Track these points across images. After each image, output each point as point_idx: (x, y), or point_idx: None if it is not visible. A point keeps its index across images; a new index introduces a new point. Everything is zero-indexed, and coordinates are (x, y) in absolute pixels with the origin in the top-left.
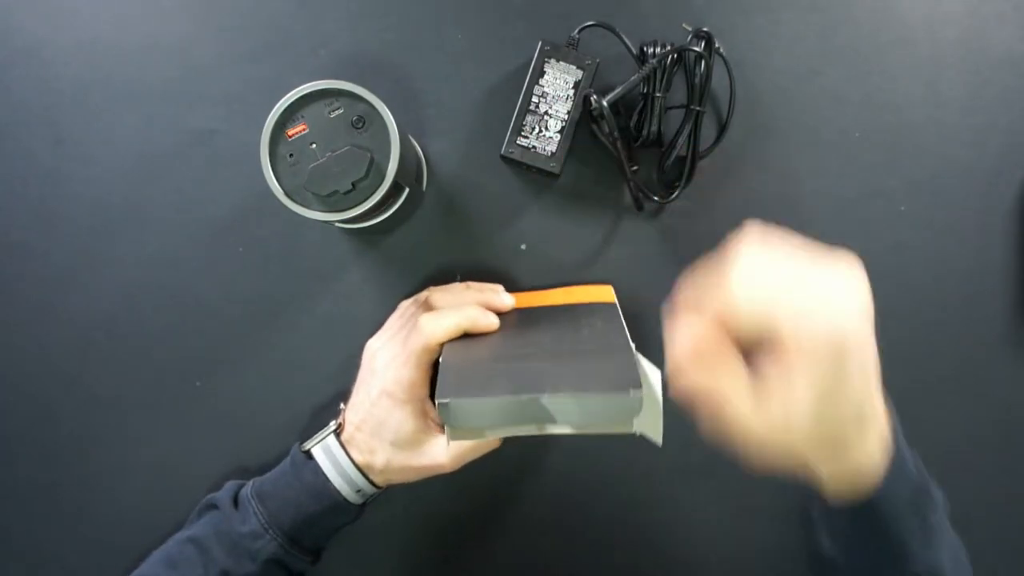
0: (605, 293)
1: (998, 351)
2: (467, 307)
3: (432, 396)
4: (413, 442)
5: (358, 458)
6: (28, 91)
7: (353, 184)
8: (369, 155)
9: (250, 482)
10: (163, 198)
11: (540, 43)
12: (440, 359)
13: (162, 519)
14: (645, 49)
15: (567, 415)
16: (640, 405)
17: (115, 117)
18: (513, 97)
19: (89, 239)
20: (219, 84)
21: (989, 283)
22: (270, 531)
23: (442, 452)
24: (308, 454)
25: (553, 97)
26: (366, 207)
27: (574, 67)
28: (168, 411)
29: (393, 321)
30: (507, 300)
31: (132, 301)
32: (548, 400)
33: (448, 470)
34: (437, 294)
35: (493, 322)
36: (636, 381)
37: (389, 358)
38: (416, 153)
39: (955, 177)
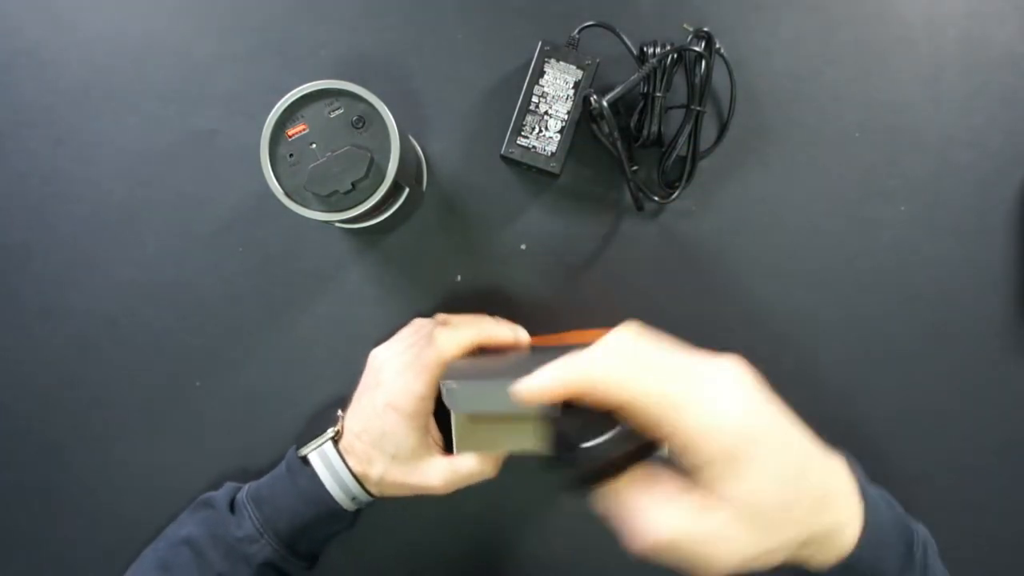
0: None
1: (998, 351)
2: (482, 321)
3: (436, 414)
4: (411, 457)
5: (355, 467)
6: (28, 91)
7: (353, 184)
8: (369, 155)
9: (246, 486)
10: (163, 198)
11: (540, 43)
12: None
13: (162, 519)
14: (645, 49)
15: None
16: None
17: (115, 117)
18: (513, 97)
19: (89, 239)
20: (219, 84)
21: (989, 283)
22: (265, 536)
23: (437, 473)
24: (304, 459)
25: (553, 97)
26: (366, 207)
27: (574, 67)
28: (168, 411)
29: (405, 335)
30: (523, 334)
31: (132, 301)
32: None
33: (440, 492)
34: (456, 316)
35: (508, 334)
36: None
37: (398, 370)
38: (416, 153)
39: (955, 177)
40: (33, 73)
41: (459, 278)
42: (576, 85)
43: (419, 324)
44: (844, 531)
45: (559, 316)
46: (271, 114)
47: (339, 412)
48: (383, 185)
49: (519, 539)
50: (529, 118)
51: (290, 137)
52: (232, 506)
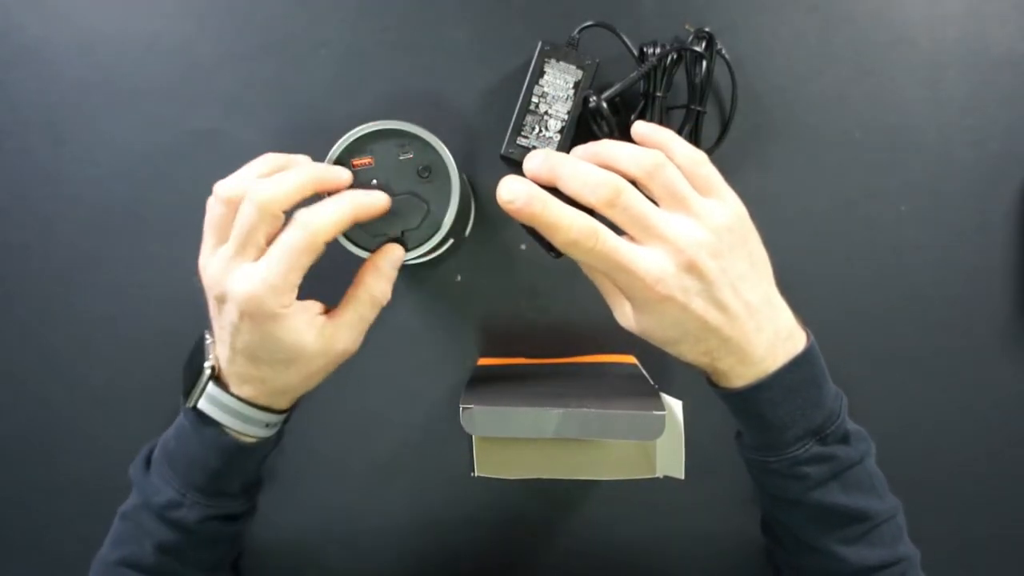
0: (627, 359)
1: (998, 351)
2: (305, 173)
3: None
4: (299, 349)
5: (250, 394)
6: (28, 91)
7: (403, 232)
8: (426, 207)
9: (159, 440)
10: (163, 198)
11: (540, 43)
12: (468, 381)
13: None
14: (645, 49)
15: (589, 431)
16: (663, 424)
17: (115, 117)
18: (513, 97)
19: (89, 239)
20: (219, 84)
21: (989, 283)
22: (187, 496)
23: (340, 337)
24: (197, 411)
25: (553, 97)
26: (409, 256)
27: (574, 67)
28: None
29: (214, 227)
30: (344, 174)
31: (132, 301)
32: (572, 415)
33: (352, 351)
34: (259, 182)
35: (344, 177)
36: (659, 405)
37: (247, 273)
38: (469, 204)
39: (955, 177)
40: (34, 73)
41: (459, 278)
42: (576, 85)
43: (219, 203)
44: (757, 358)
45: (559, 316)
46: (342, 139)
47: (207, 338)
48: (433, 239)
49: (522, 545)
50: (529, 118)
51: (355, 167)
52: (148, 466)
